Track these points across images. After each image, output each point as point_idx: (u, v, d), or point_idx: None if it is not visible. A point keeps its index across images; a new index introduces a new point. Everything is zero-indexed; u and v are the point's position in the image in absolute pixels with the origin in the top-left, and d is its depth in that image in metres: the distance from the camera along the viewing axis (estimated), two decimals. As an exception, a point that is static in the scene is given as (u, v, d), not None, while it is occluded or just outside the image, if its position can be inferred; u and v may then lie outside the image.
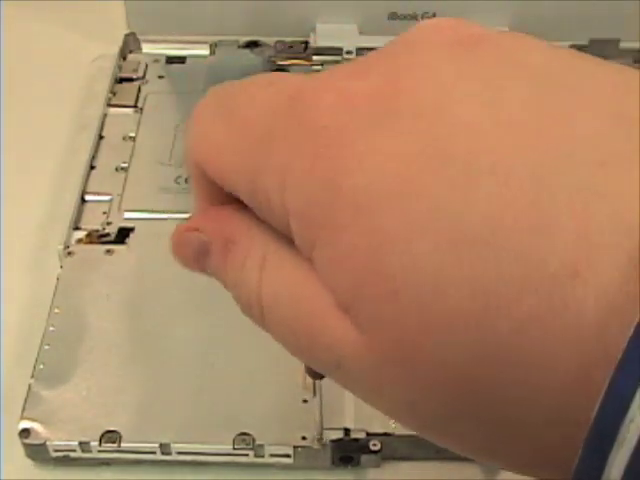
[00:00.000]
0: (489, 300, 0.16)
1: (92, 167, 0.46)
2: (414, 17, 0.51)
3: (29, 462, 0.36)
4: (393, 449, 0.36)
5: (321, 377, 0.29)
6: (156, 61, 0.52)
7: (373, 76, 0.19)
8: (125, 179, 0.45)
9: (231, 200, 0.22)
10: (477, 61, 0.18)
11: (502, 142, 0.17)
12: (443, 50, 0.19)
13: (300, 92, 0.19)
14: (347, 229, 0.18)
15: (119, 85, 0.51)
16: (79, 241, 0.42)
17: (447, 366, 0.17)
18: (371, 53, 0.20)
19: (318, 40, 0.52)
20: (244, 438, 0.35)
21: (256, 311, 0.21)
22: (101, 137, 0.48)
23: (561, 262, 0.16)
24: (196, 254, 0.23)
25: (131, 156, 0.46)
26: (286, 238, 0.20)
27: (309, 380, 0.32)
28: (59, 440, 0.35)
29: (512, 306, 0.16)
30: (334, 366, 0.19)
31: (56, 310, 0.39)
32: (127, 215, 0.44)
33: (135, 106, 0.49)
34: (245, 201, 0.21)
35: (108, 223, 0.43)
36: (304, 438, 0.35)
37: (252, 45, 0.53)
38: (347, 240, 0.18)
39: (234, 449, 0.35)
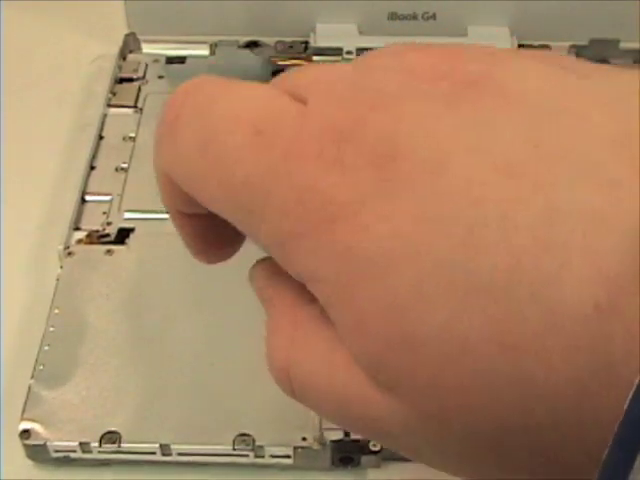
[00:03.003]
0: (518, 347, 0.16)
1: (92, 167, 0.46)
2: (414, 17, 0.51)
3: (29, 463, 0.36)
4: (393, 450, 0.35)
5: None
6: (156, 61, 0.52)
7: (370, 135, 0.18)
8: (125, 179, 0.45)
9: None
10: (471, 107, 0.18)
11: (505, 190, 0.16)
12: (436, 102, 0.18)
13: (293, 155, 0.19)
14: (361, 295, 0.18)
15: (119, 85, 0.51)
16: (79, 241, 0.42)
17: (482, 424, 0.17)
18: (358, 88, 0.19)
19: (318, 40, 0.52)
20: (244, 439, 0.35)
21: (284, 383, 0.21)
22: (101, 137, 0.48)
23: (581, 300, 0.16)
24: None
25: (131, 156, 0.46)
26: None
27: None
28: (59, 441, 0.35)
29: (540, 349, 0.16)
30: (381, 435, 0.20)
31: (56, 310, 0.39)
32: (127, 215, 0.44)
33: (135, 106, 0.49)
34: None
35: (108, 223, 0.43)
36: (304, 439, 0.35)
37: (252, 45, 0.53)
38: (363, 306, 0.18)
39: (234, 450, 0.35)
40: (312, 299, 0.20)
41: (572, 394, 0.16)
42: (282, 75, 0.22)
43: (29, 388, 0.36)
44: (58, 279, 0.41)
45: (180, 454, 0.35)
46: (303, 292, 0.21)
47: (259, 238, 0.20)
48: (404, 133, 0.18)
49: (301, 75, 0.21)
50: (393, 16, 0.51)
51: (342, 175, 0.18)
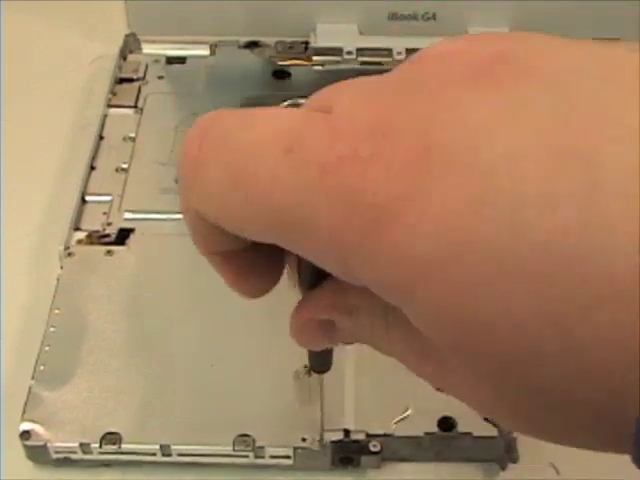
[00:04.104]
0: (569, 326, 0.16)
1: (92, 168, 0.46)
2: (414, 17, 0.51)
3: (30, 464, 0.36)
4: (393, 450, 0.36)
5: (325, 371, 0.29)
6: (156, 61, 0.52)
7: (401, 126, 0.18)
8: (125, 180, 0.45)
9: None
10: (497, 86, 0.18)
11: (541, 165, 0.17)
12: (462, 85, 0.18)
13: (329, 163, 0.18)
14: (420, 293, 0.18)
15: (119, 85, 0.51)
16: (79, 242, 0.42)
17: (544, 378, 0.17)
18: (383, 83, 0.20)
19: (318, 40, 0.52)
20: (244, 439, 0.35)
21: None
22: (101, 137, 0.48)
23: (630, 273, 0.16)
24: (325, 334, 0.23)
25: (131, 157, 0.46)
26: None
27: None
28: (60, 442, 0.35)
29: (591, 325, 0.16)
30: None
31: (56, 311, 0.39)
32: (127, 216, 0.44)
33: (135, 106, 0.49)
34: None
35: (108, 224, 0.43)
36: (304, 439, 0.35)
37: (252, 45, 0.53)
38: (424, 301, 0.18)
39: (234, 450, 0.35)
40: None
41: (616, 367, 0.16)
42: (308, 99, 0.22)
43: (29, 389, 0.37)
44: (58, 279, 0.41)
45: (180, 454, 0.35)
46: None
47: (311, 255, 0.20)
48: (435, 121, 0.18)
49: (324, 91, 0.21)
50: (393, 16, 0.51)
51: (380, 170, 0.18)
